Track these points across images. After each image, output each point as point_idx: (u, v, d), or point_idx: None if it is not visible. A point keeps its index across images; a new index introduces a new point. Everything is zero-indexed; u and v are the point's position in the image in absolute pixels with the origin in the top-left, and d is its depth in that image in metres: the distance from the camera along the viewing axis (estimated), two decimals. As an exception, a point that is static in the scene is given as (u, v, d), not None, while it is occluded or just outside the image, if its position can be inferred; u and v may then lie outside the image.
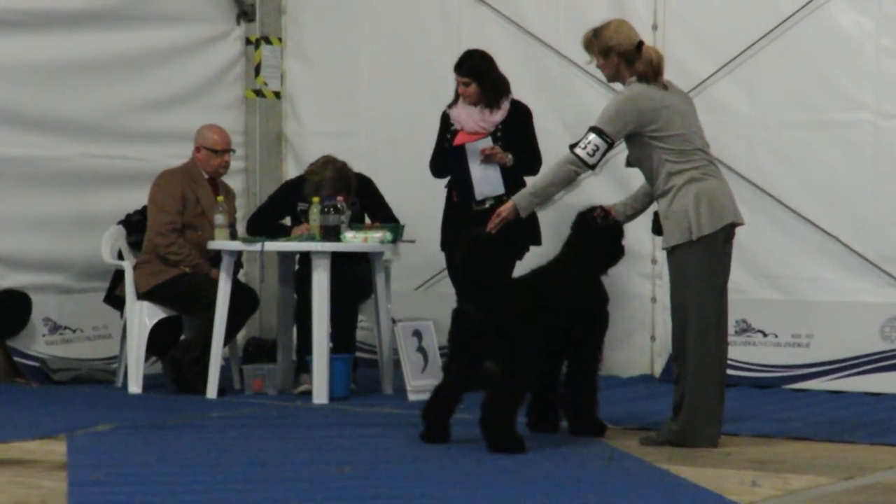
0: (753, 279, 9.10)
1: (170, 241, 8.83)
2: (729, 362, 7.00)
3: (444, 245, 8.91)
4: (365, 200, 9.14)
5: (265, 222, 9.11)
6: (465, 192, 8.73)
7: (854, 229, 8.88)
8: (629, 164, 7.05)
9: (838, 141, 8.94)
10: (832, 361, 8.89)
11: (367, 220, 9.07)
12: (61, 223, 9.50)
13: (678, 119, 6.81)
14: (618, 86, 7.01)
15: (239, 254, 8.82)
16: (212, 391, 8.55)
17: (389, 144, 10.30)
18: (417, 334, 8.63)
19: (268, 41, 10.76)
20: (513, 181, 8.57)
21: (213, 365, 8.56)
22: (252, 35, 10.74)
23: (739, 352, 8.93)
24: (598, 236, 7.09)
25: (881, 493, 5.71)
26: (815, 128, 9.01)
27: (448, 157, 8.78)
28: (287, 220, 9.19)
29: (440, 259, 9.11)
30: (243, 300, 8.81)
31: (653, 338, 9.49)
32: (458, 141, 8.74)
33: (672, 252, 6.81)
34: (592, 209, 7.16)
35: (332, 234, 8.47)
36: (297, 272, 9.02)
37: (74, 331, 9.57)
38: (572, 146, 6.81)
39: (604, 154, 6.78)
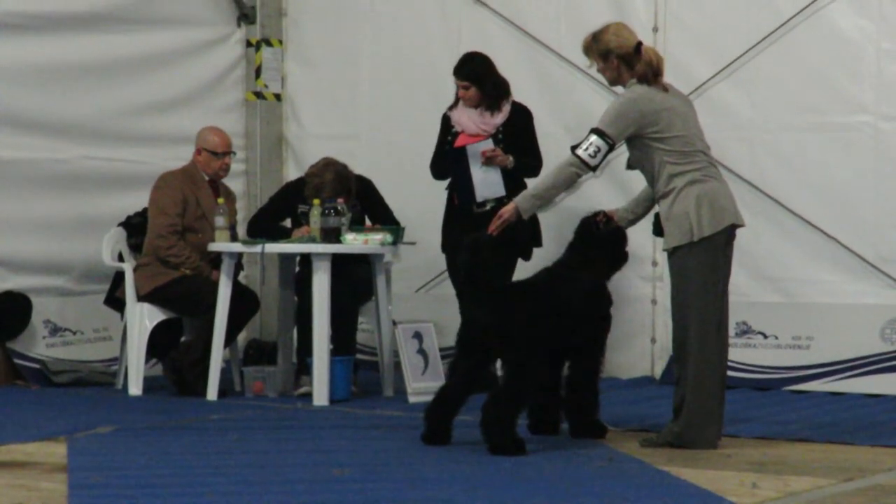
0: (753, 281, 9.10)
1: (170, 244, 8.83)
2: (729, 364, 7.00)
3: (445, 247, 8.91)
4: (365, 202, 9.14)
5: (266, 224, 9.11)
6: (465, 195, 8.73)
7: (854, 232, 8.88)
8: (630, 166, 7.05)
9: (839, 143, 8.94)
10: (832, 363, 8.89)
11: (368, 222, 9.08)
12: (62, 225, 9.50)
13: (679, 121, 6.82)
14: (619, 88, 7.01)
15: (239, 256, 8.83)
16: (212, 393, 8.55)
17: (390, 146, 10.30)
18: (418, 336, 8.63)
19: (268, 43, 10.76)
20: (514, 183, 8.57)
21: (214, 367, 8.56)
22: (253, 37, 10.74)
23: (740, 353, 8.93)
24: (602, 242, 7.09)
25: (881, 495, 5.70)
26: (815, 130, 9.01)
27: (449, 160, 8.78)
28: (287, 223, 9.20)
29: (441, 261, 9.11)
30: (244, 302, 8.80)
31: (653, 340, 9.49)
32: (458, 143, 8.74)
33: (673, 253, 6.81)
34: (595, 214, 7.16)
35: (332, 236, 8.47)
36: (298, 274, 9.02)
37: (75, 333, 9.58)
38: (574, 148, 6.82)
39: (605, 156, 6.79)
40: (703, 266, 6.75)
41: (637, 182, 7.39)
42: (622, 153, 7.17)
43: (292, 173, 10.55)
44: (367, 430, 7.36)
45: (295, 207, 9.11)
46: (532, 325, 6.66)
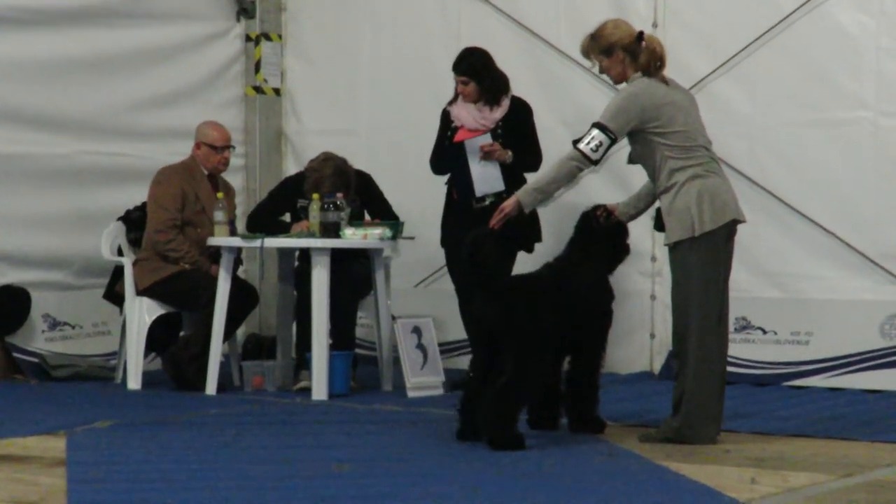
0: (753, 277, 9.10)
1: (169, 238, 8.83)
2: (729, 359, 6.99)
3: (444, 242, 8.90)
4: (365, 197, 9.13)
5: (265, 219, 9.11)
6: (464, 190, 8.72)
7: (853, 227, 8.88)
8: (631, 160, 7.04)
9: (838, 139, 8.94)
10: (832, 359, 8.89)
11: (367, 217, 9.08)
12: (61, 220, 9.50)
13: (681, 116, 6.81)
14: (622, 84, 7.00)
15: (238, 250, 8.82)
16: (211, 388, 8.56)
17: (389, 141, 10.30)
18: (417, 331, 8.62)
19: (268, 38, 10.75)
20: (513, 178, 8.56)
21: (213, 362, 8.56)
22: (252, 32, 10.74)
23: (739, 349, 8.93)
24: (602, 236, 7.08)
25: (880, 491, 5.70)
26: (815, 126, 9.01)
27: (448, 155, 8.78)
28: (287, 217, 9.19)
29: (440, 256, 9.11)
30: (243, 297, 8.80)
31: (652, 335, 9.49)
32: (458, 138, 8.74)
33: (674, 248, 6.81)
34: (595, 209, 7.15)
35: (331, 230, 8.47)
36: (297, 269, 9.02)
37: (74, 327, 9.58)
38: (575, 142, 6.81)
39: (607, 150, 6.78)
40: (704, 261, 6.74)
41: (636, 177, 7.40)
42: (622, 148, 7.16)
43: (291, 168, 10.55)
44: (366, 425, 7.36)
45: (294, 202, 9.11)
46: (535, 322, 6.66)
